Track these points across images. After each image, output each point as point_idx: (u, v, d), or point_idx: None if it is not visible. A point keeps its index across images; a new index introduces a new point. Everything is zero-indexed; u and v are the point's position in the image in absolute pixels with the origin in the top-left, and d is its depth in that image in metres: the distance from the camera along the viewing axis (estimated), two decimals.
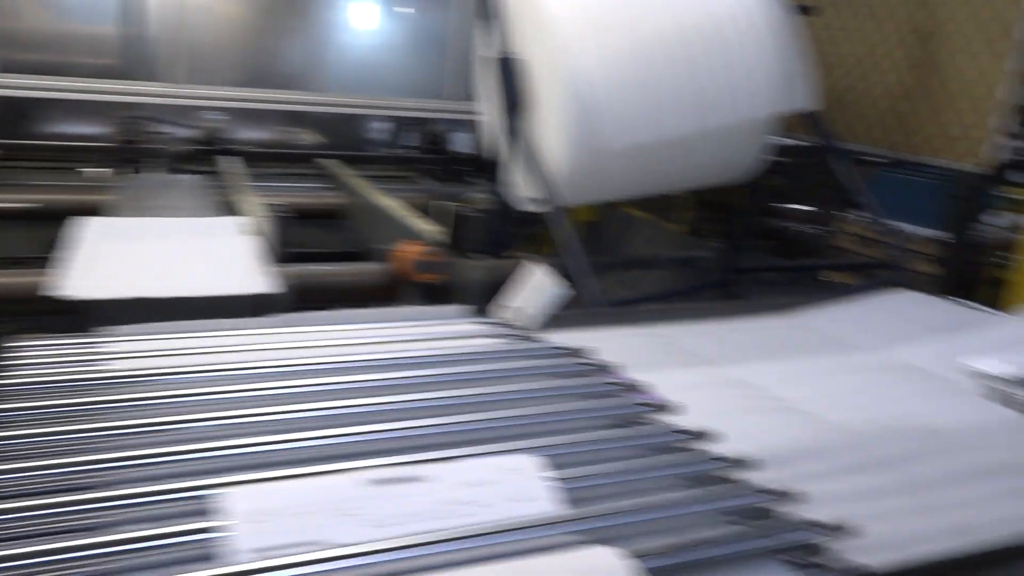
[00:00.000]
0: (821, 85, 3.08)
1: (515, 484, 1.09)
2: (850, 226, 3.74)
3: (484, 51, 2.92)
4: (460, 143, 4.42)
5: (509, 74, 2.69)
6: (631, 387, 1.53)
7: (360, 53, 4.60)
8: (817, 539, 1.07)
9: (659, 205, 5.72)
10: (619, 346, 1.89)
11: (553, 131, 2.63)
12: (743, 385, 1.76)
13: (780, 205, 5.07)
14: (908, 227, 3.70)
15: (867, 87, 3.30)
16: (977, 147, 2.87)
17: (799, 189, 4.23)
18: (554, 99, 2.62)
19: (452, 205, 2.61)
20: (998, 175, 3.08)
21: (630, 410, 1.43)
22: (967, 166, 2.94)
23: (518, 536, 0.98)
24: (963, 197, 3.22)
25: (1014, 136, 2.96)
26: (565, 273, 2.11)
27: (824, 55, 3.31)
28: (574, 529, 1.01)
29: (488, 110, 3.04)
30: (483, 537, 0.96)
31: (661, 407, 1.45)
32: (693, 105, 2.61)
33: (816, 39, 3.24)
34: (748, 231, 4.55)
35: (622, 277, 3.66)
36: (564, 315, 2.02)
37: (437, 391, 1.41)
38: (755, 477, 1.25)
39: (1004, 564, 1.22)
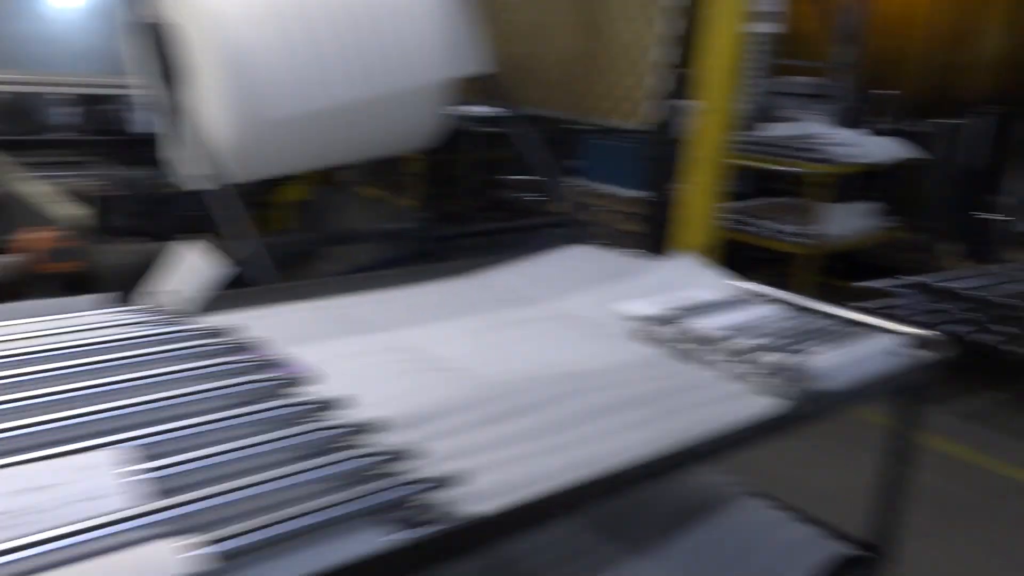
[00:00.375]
0: (500, 52, 3.14)
1: (86, 483, 0.97)
2: (565, 191, 3.91)
3: (134, 17, 2.66)
4: (142, 122, 4.05)
5: (161, 42, 2.48)
6: (271, 362, 1.45)
7: (26, 23, 4.07)
8: (420, 495, 1.06)
9: (389, 182, 5.66)
10: (280, 322, 1.81)
11: (213, 102, 2.45)
12: (403, 349, 1.74)
13: (504, 177, 5.21)
14: (620, 189, 3.94)
15: (543, 53, 3.43)
16: (638, 108, 3.08)
17: (519, 159, 4.36)
18: (211, 68, 2.44)
19: (97, 187, 2.36)
20: (663, 133, 3.34)
21: (261, 386, 1.34)
22: (631, 124, 3.14)
23: (70, 542, 0.86)
24: (654, 158, 3.47)
25: (669, 96, 3.20)
26: (231, 252, 1.98)
27: (502, 22, 3.39)
28: (146, 523, 0.91)
29: (143, 82, 2.79)
30: (22, 550, 0.84)
31: (298, 380, 1.39)
32: (360, 70, 2.55)
33: (493, 5, 3.31)
34: (467, 201, 4.60)
35: (326, 253, 3.56)
36: (227, 295, 1.90)
37: (32, 389, 1.25)
38: (381, 440, 1.21)
39: (617, 490, 1.29)
